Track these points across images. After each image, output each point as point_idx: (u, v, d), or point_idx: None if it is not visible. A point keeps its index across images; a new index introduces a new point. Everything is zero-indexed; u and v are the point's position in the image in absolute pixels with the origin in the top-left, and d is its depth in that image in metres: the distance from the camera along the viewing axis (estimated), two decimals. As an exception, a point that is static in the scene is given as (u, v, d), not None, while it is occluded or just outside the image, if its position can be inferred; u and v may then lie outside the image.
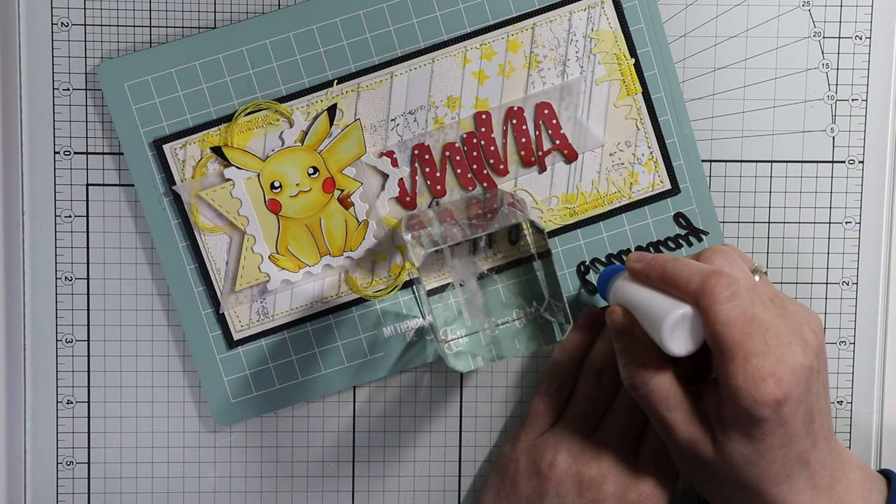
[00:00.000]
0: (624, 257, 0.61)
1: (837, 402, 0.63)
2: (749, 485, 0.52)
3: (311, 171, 0.59)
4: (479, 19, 0.59)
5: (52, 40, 0.59)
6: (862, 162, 0.62)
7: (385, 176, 0.60)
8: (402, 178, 0.60)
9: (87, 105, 0.60)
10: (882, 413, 0.63)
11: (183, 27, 0.59)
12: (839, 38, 0.61)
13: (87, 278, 0.61)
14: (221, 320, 0.60)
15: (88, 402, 0.61)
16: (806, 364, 0.50)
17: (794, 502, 0.52)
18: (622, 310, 0.54)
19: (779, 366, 0.49)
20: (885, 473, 0.55)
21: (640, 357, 0.53)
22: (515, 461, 0.60)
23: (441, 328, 0.58)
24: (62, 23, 0.59)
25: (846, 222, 0.62)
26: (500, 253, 0.60)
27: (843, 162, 0.62)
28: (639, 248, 0.61)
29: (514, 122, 0.60)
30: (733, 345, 0.49)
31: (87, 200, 0.60)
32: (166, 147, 0.59)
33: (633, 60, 0.60)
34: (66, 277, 0.61)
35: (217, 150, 0.59)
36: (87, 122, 0.60)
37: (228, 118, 0.59)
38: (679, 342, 0.51)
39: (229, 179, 0.59)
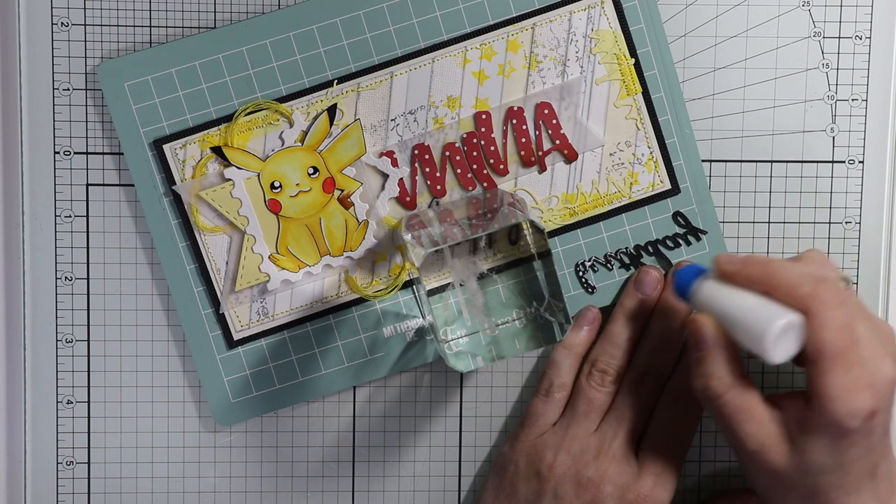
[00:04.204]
0: (628, 256, 0.61)
1: (837, 402, 0.63)
2: (820, 493, 0.51)
3: (311, 171, 0.59)
4: (479, 19, 0.59)
5: (52, 40, 0.59)
6: (862, 162, 0.62)
7: (385, 176, 0.60)
8: (402, 178, 0.60)
9: (87, 105, 0.60)
10: (882, 413, 0.63)
11: (183, 27, 0.59)
12: (839, 38, 0.61)
13: (87, 278, 0.61)
14: (221, 320, 0.60)
15: (88, 402, 0.61)
16: (894, 377, 0.50)
17: None
18: (710, 320, 0.53)
19: (874, 378, 0.49)
20: None
21: (719, 369, 0.53)
22: (515, 462, 0.60)
23: (441, 328, 0.58)
24: (62, 23, 0.59)
25: (846, 222, 0.62)
26: (500, 253, 0.60)
27: (843, 162, 0.62)
28: (638, 248, 0.61)
29: (514, 122, 0.60)
30: (835, 353, 0.49)
31: (87, 200, 0.60)
32: (166, 147, 0.59)
33: (633, 60, 0.60)
34: (66, 277, 0.61)
35: (217, 150, 0.59)
36: (87, 122, 0.60)
37: (228, 118, 0.59)
38: (781, 350, 0.50)
39: (229, 179, 0.59)
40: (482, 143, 0.60)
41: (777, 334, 0.50)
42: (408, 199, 0.60)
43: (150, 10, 0.59)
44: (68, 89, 0.60)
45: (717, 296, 0.53)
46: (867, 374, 0.49)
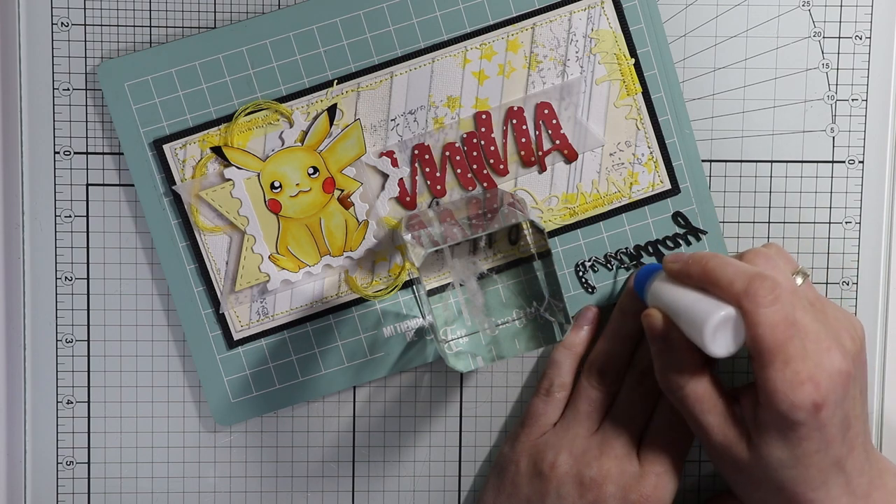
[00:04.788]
0: (628, 256, 0.61)
1: (837, 402, 0.63)
2: (785, 488, 0.52)
3: (311, 171, 0.59)
4: (479, 19, 0.59)
5: (52, 40, 0.59)
6: (862, 162, 0.62)
7: (385, 176, 0.60)
8: (402, 178, 0.60)
9: (87, 105, 0.60)
10: (882, 411, 0.63)
11: (183, 27, 0.59)
12: (839, 38, 0.61)
13: (87, 278, 0.61)
14: (221, 320, 0.60)
15: (88, 402, 0.61)
16: (844, 369, 0.50)
17: None
18: (659, 313, 0.54)
19: (817, 370, 0.50)
20: None
21: (677, 361, 0.54)
22: (516, 462, 0.59)
23: (441, 328, 0.58)
24: (62, 23, 0.59)
25: (846, 222, 0.62)
26: (500, 253, 0.60)
27: (843, 162, 0.62)
28: (638, 248, 0.61)
29: (514, 122, 0.60)
30: (773, 348, 0.50)
31: (87, 200, 0.60)
32: (166, 147, 0.59)
33: (633, 60, 0.60)
34: (66, 277, 0.61)
35: (217, 150, 0.59)
36: (87, 122, 0.60)
37: (228, 118, 0.59)
38: (721, 344, 0.51)
39: (229, 179, 0.59)
40: (482, 143, 0.60)
41: (713, 328, 0.51)
42: (408, 199, 0.60)
43: (150, 10, 0.59)
44: (68, 89, 0.60)
45: (665, 293, 0.55)
46: (808, 367, 0.50)
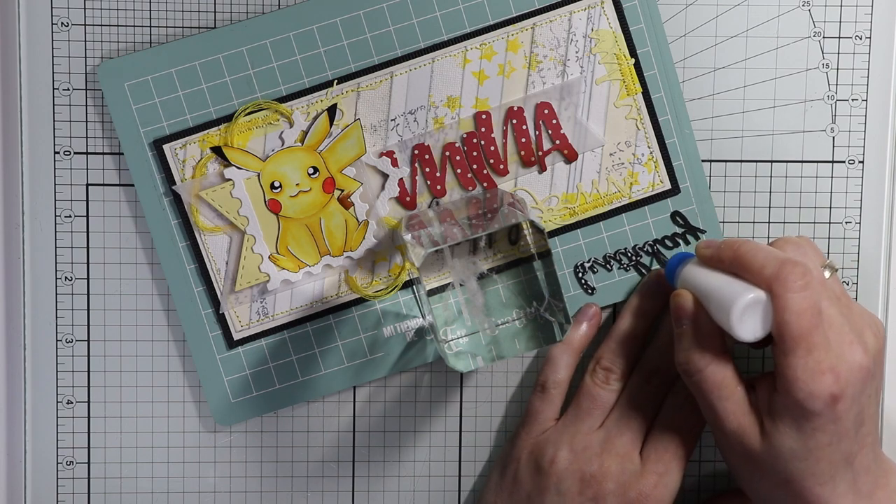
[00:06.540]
0: (627, 257, 0.61)
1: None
2: (793, 481, 0.52)
3: (311, 171, 0.59)
4: (479, 19, 0.59)
5: (52, 40, 0.59)
6: (862, 162, 0.62)
7: (385, 176, 0.60)
8: (402, 178, 0.60)
9: (87, 105, 0.60)
10: (882, 411, 0.63)
11: (183, 27, 0.59)
12: (839, 38, 0.61)
13: (87, 278, 0.61)
14: (221, 320, 0.60)
15: (88, 402, 0.61)
16: (864, 365, 0.51)
17: None
18: (689, 294, 0.54)
19: (838, 362, 0.50)
20: None
21: (699, 343, 0.54)
22: (517, 459, 0.60)
23: (441, 328, 0.58)
24: (62, 23, 0.59)
25: (846, 222, 0.62)
26: (500, 253, 0.60)
27: (843, 162, 0.62)
28: (638, 248, 0.61)
29: (514, 122, 0.60)
30: (798, 335, 0.50)
31: (87, 200, 0.60)
32: (166, 147, 0.59)
33: (633, 60, 0.60)
34: (66, 277, 0.61)
35: (217, 150, 0.59)
36: (87, 122, 0.60)
37: (228, 118, 0.59)
38: (748, 328, 0.51)
39: (229, 179, 0.59)
40: (482, 143, 0.60)
41: (741, 311, 0.51)
42: (408, 199, 0.60)
43: (150, 10, 0.59)
44: (68, 89, 0.60)
45: (695, 277, 0.55)
46: (830, 359, 0.50)
